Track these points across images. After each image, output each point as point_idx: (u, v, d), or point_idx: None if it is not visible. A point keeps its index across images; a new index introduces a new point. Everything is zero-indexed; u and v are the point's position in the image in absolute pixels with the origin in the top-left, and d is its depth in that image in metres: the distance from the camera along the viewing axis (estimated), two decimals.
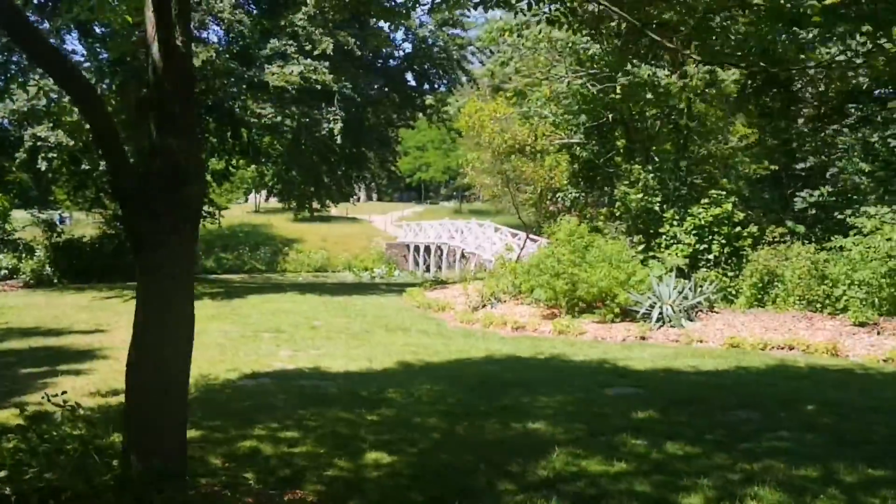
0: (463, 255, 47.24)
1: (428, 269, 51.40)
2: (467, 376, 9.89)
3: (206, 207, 28.97)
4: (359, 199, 50.31)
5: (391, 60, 24.82)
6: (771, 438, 6.63)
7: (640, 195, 15.73)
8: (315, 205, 29.41)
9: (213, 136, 28.46)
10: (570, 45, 14.93)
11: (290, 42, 19.71)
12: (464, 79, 24.86)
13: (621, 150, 19.33)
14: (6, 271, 20.96)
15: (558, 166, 18.03)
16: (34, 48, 4.73)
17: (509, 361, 11.11)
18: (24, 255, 21.01)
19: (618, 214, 16.52)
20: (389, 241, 57.33)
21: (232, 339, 12.89)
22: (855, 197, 15.75)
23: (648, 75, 14.42)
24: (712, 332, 13.03)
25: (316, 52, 19.70)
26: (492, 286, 16.77)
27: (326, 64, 19.70)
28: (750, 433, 6.82)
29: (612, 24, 15.72)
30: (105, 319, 14.90)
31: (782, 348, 11.87)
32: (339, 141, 20.19)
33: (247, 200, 65.24)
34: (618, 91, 15.34)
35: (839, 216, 15.22)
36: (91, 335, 13.31)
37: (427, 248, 52.54)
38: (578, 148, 19.41)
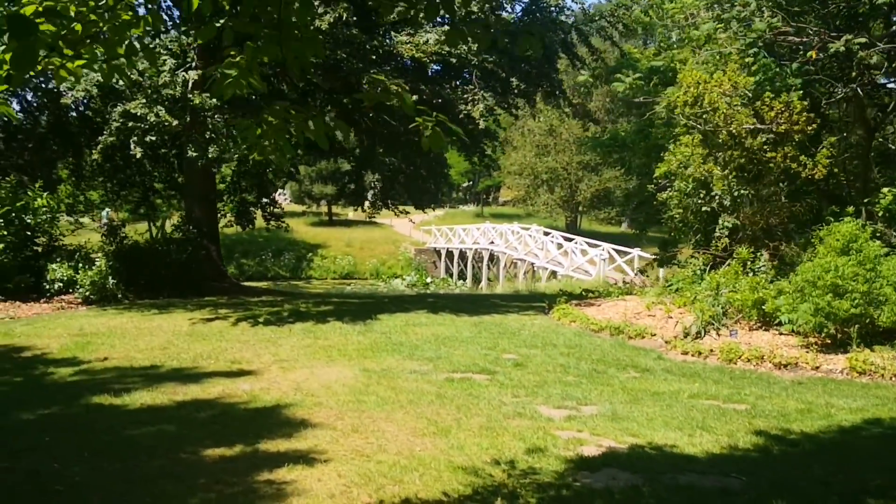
0: (496, 260, 43.62)
1: (462, 277, 47.67)
2: None
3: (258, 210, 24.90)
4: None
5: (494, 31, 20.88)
6: None
7: None
8: (406, 208, 25.49)
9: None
10: None
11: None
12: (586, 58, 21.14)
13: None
14: (60, 284, 16.98)
15: (821, 150, 14.03)
16: None
17: None
18: (81, 266, 17.03)
19: (880, 216, 12.91)
20: (417, 246, 53.75)
21: (440, 386, 9.22)
22: None
23: None
24: None
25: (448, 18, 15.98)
26: (705, 309, 13.04)
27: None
28: None
29: None
30: (234, 353, 11.12)
31: None
32: (481, 125, 16.44)
33: None
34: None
35: None
36: (238, 378, 9.57)
37: (462, 254, 48.80)
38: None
